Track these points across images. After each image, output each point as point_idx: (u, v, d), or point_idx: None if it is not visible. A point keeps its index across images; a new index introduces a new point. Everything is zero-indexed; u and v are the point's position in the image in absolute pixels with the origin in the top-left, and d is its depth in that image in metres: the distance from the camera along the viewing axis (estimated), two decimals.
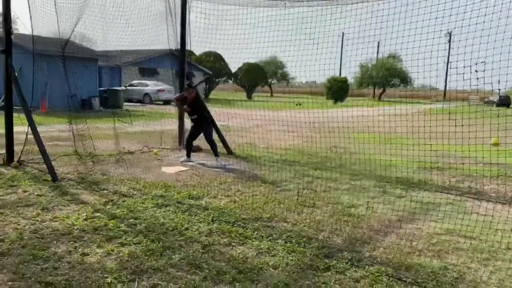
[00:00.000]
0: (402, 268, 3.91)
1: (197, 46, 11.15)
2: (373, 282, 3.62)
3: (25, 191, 5.97)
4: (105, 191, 6.20)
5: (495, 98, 43.80)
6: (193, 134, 8.91)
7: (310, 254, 4.15)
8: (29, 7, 7.95)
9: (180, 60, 10.83)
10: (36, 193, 5.89)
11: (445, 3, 6.45)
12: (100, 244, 4.21)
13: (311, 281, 3.61)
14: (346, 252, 4.22)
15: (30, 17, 8.01)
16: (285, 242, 4.42)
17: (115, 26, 10.56)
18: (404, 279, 3.68)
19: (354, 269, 3.86)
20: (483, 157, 8.47)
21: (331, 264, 3.93)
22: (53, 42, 9.84)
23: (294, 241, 4.47)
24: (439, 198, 6.38)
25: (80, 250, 4.05)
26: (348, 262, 4.00)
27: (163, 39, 10.62)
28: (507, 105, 40.92)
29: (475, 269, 3.95)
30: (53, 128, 12.29)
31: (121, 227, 4.69)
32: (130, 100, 26.38)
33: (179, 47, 10.58)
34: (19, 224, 4.68)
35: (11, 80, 7.57)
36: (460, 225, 4.98)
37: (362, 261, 4.04)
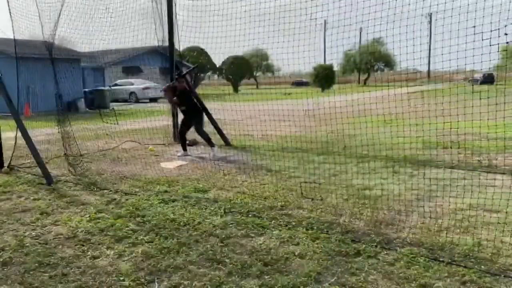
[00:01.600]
0: (435, 247, 3.69)
1: (180, 41, 10.77)
2: (409, 264, 3.39)
3: (20, 196, 5.62)
4: (105, 191, 5.86)
5: (479, 76, 44.42)
6: (185, 126, 8.61)
7: (336, 239, 3.90)
8: (9, 10, 7.61)
9: (169, 55, 10.46)
10: (32, 198, 5.54)
11: None
12: (110, 245, 3.91)
13: (344, 267, 3.37)
14: (373, 235, 3.99)
15: (12, 20, 7.65)
16: (306, 229, 4.17)
17: (98, 24, 10.15)
18: (441, 259, 3.46)
19: (385, 252, 3.63)
20: (486, 132, 8.33)
21: (360, 248, 3.69)
22: (34, 45, 9.37)
23: (315, 227, 4.22)
24: (451, 174, 6.20)
25: (89, 253, 3.75)
26: (377, 245, 3.76)
27: (149, 36, 10.29)
28: (491, 82, 41.41)
29: (510, 243, 3.75)
30: (40, 132, 11.79)
31: (129, 226, 4.39)
32: (116, 100, 25.81)
33: (166, 43, 10.24)
34: (18, 231, 4.34)
35: None
36: (481, 199, 4.81)
37: (391, 244, 3.81)
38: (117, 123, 9.01)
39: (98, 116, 15.80)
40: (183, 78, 8.69)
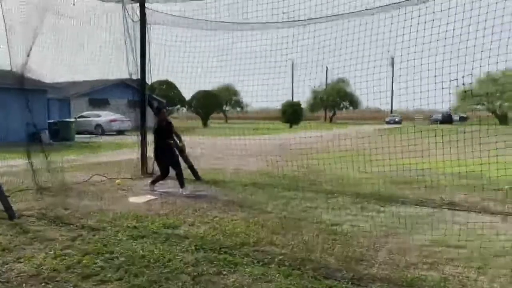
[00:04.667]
0: (403, 283, 3.79)
1: (150, 74, 10.81)
2: None
3: None
4: (72, 226, 5.67)
5: (439, 116, 47.03)
6: (164, 162, 8.37)
7: (308, 276, 3.93)
8: None
9: (140, 88, 10.48)
10: None
11: (385, 25, 6.95)
12: (77, 283, 3.77)
13: None
14: (344, 272, 4.05)
15: None
16: (279, 266, 4.18)
17: (68, 56, 10.14)
18: None
19: None
20: (441, 168, 8.74)
21: (333, 285, 3.74)
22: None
23: (287, 264, 4.24)
24: (417, 211, 6.43)
25: None
26: (349, 281, 3.82)
27: (119, 68, 10.35)
28: (450, 122, 43.81)
29: (475, 279, 3.89)
30: (2, 164, 11.39)
31: (97, 262, 4.26)
32: (81, 132, 25.29)
33: (136, 75, 10.30)
34: None
35: None
36: (445, 235, 5.00)
37: (362, 280, 3.88)
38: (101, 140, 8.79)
39: (63, 148, 15.45)
40: (160, 112, 8.63)
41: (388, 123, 52.68)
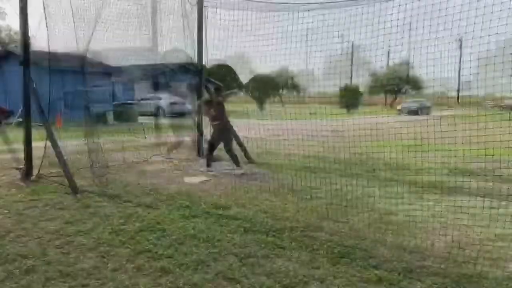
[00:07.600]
0: (461, 279, 3.56)
1: (207, 58, 10.98)
2: None
3: (46, 205, 5.74)
4: (129, 203, 5.93)
5: (510, 101, 43.31)
6: (215, 142, 8.70)
7: (357, 265, 3.81)
8: (46, 24, 7.84)
9: (198, 72, 10.67)
10: (57, 207, 5.66)
11: (454, 6, 6.31)
12: (130, 258, 3.93)
13: None
14: (395, 263, 3.88)
15: (48, 33, 7.87)
16: (327, 253, 4.10)
17: (131, 42, 10.53)
18: None
19: (407, 281, 3.51)
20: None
21: (382, 276, 3.59)
22: (68, 58, 9.71)
23: (336, 251, 4.14)
24: (479, 202, 6.00)
25: (109, 265, 3.78)
26: (400, 273, 3.65)
27: (180, 53, 10.65)
28: None
29: None
30: (70, 143, 12.13)
31: (150, 240, 4.42)
32: (143, 114, 26.36)
33: (195, 59, 10.49)
34: (42, 239, 4.43)
35: (29, 93, 7.41)
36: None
37: (414, 272, 3.70)
38: (146, 137, 9.19)
39: (126, 129, 16.18)
40: (219, 91, 8.92)
41: (400, 111, 36.38)
